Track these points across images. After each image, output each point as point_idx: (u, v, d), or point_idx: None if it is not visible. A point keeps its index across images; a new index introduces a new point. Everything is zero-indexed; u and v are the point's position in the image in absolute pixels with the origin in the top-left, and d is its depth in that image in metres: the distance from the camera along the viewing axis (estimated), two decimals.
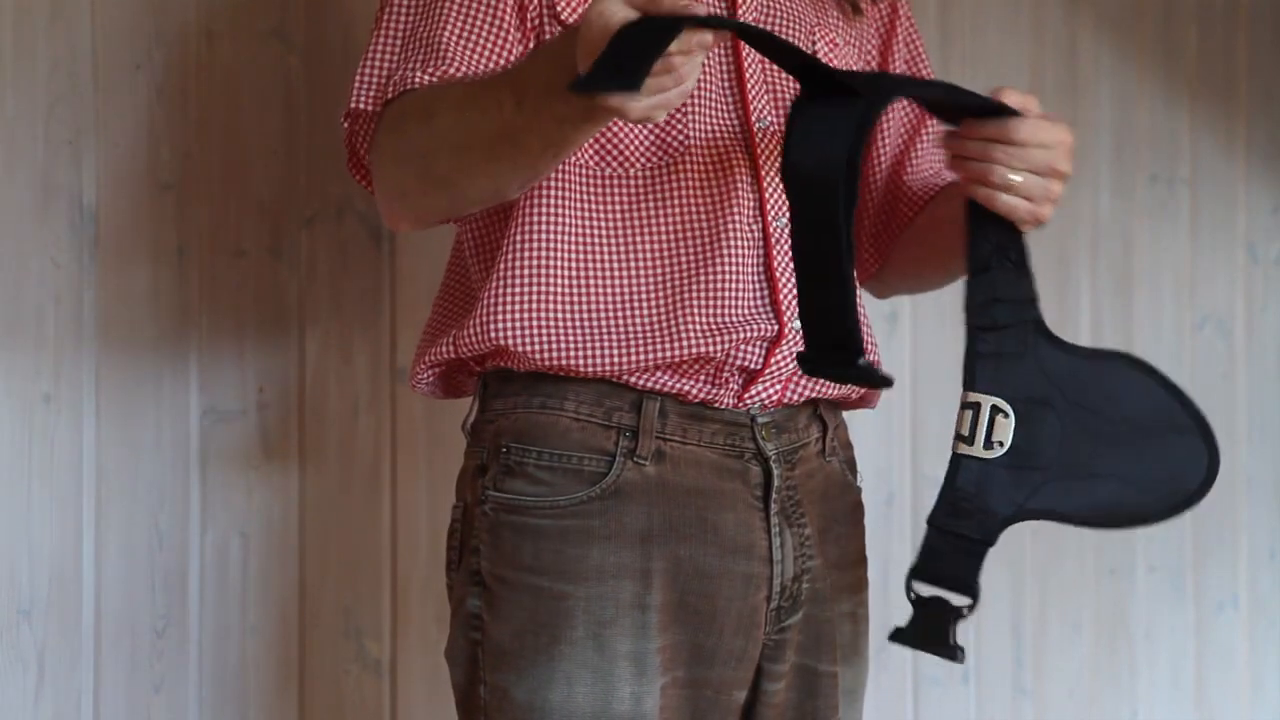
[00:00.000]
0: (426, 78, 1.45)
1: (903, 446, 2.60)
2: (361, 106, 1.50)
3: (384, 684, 2.10)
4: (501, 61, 1.48)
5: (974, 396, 1.44)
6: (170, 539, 1.96)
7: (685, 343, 1.47)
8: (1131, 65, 2.93)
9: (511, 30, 1.48)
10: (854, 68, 1.61)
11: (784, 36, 1.49)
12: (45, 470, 1.88)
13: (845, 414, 1.67)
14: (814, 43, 1.58)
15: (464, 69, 1.46)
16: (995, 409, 1.43)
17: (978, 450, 1.43)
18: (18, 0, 1.88)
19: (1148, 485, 1.42)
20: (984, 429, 1.43)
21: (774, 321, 1.50)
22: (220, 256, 2.00)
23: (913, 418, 2.62)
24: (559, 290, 1.48)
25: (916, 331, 2.59)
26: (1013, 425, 1.42)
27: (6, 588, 1.86)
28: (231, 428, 2.00)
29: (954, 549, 1.42)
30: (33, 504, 1.88)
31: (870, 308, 1.70)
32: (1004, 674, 2.71)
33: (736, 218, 1.49)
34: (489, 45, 1.48)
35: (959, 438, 1.43)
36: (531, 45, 1.49)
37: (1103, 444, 1.42)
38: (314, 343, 2.06)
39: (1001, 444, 1.42)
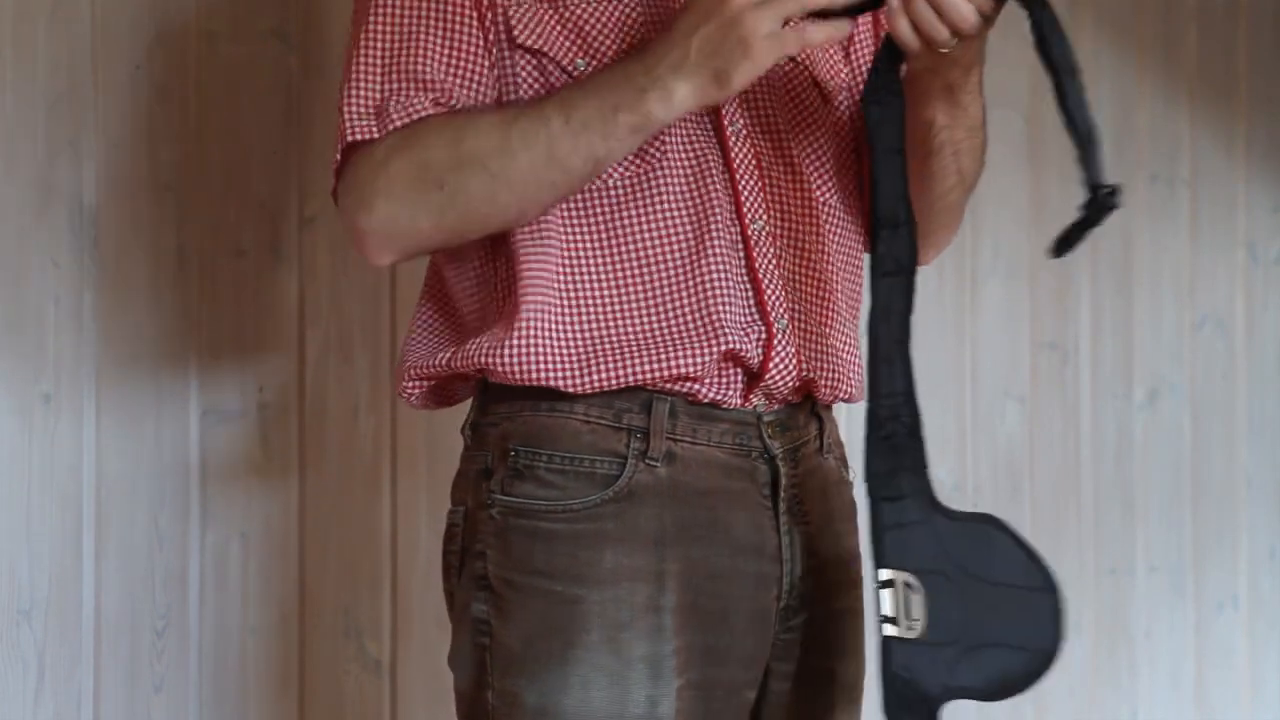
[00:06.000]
0: (430, 107, 1.46)
1: None
2: (360, 138, 1.48)
3: (384, 684, 2.10)
4: (488, 89, 1.49)
5: (888, 573, 1.41)
6: (170, 539, 1.96)
7: (680, 354, 1.47)
8: (1131, 65, 2.93)
9: (486, 55, 1.50)
10: (826, 154, 1.62)
11: (764, 141, 1.54)
12: (45, 470, 1.88)
13: (845, 410, 1.67)
14: (791, 152, 1.57)
15: (459, 100, 1.48)
16: (906, 584, 1.41)
17: (903, 630, 1.40)
18: (18, 0, 1.88)
19: (1026, 646, 1.41)
20: (903, 606, 1.41)
21: (761, 323, 1.50)
22: (220, 256, 2.00)
23: None
24: (547, 309, 1.47)
25: (916, 332, 2.58)
26: (923, 600, 1.41)
27: (6, 588, 1.86)
28: (231, 428, 2.00)
29: None
30: (33, 504, 1.87)
31: (869, 309, 1.69)
32: None
33: (716, 222, 1.49)
34: (474, 73, 1.49)
35: (886, 619, 1.40)
36: (493, 69, 1.50)
37: (987, 610, 1.41)
38: (314, 343, 2.06)
39: (918, 621, 1.40)
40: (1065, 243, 1.42)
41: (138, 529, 1.94)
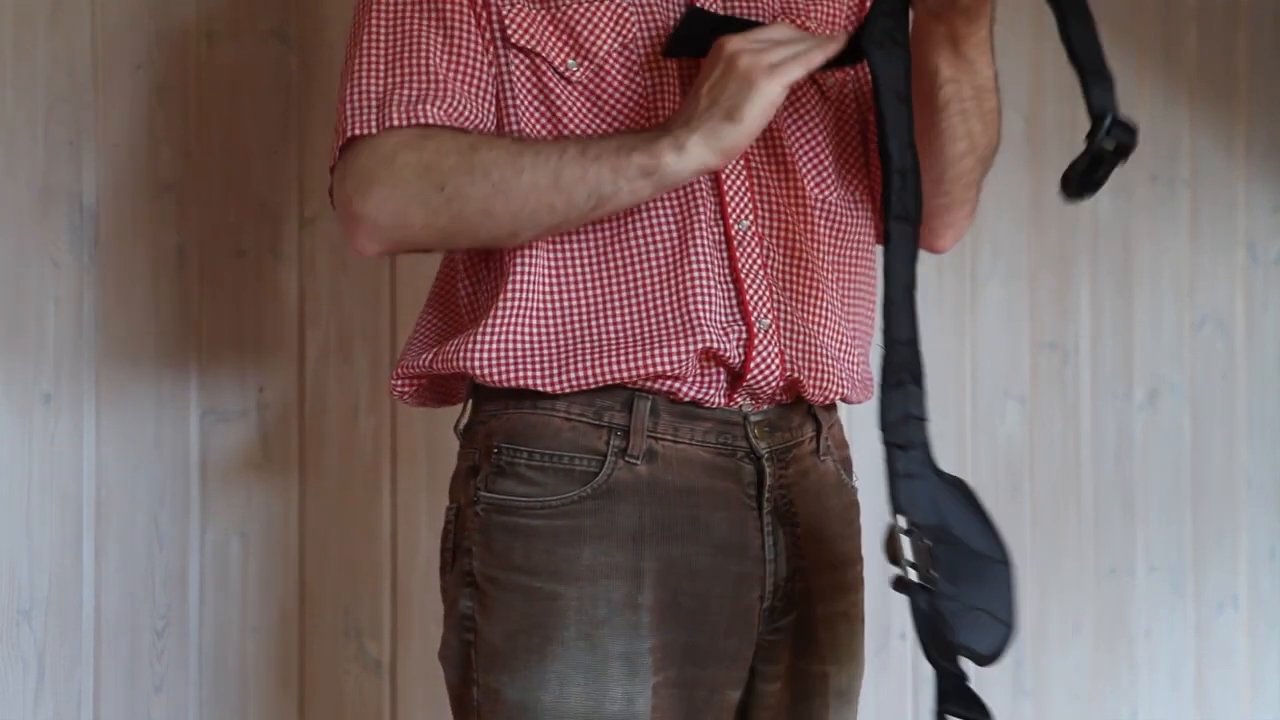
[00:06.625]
0: (437, 113, 1.48)
1: None
2: (360, 133, 1.49)
3: (384, 684, 2.10)
4: (488, 87, 1.51)
5: (906, 520, 1.38)
6: (170, 539, 1.97)
7: (658, 352, 1.47)
8: (1131, 65, 2.93)
9: (485, 53, 1.51)
10: (825, 153, 1.62)
11: (755, 142, 1.53)
12: (45, 470, 1.88)
13: (846, 411, 1.67)
14: (785, 151, 1.57)
15: (461, 101, 1.49)
16: (918, 531, 1.38)
17: (922, 577, 1.36)
18: (17, 0, 1.88)
19: (1003, 620, 1.39)
20: (922, 555, 1.37)
21: (741, 323, 1.50)
22: (220, 256, 2.00)
23: None
24: (527, 310, 1.49)
25: None
26: (931, 551, 1.38)
27: (6, 588, 1.86)
28: (231, 428, 2.01)
29: (957, 690, 1.39)
30: (33, 504, 1.88)
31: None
32: (1004, 674, 2.71)
33: (700, 223, 1.50)
34: (474, 71, 1.51)
35: (911, 565, 1.37)
36: (491, 66, 1.52)
37: (970, 575, 1.39)
38: (314, 343, 2.06)
39: (933, 571, 1.37)
40: (1069, 181, 1.37)
41: (138, 529, 1.94)
